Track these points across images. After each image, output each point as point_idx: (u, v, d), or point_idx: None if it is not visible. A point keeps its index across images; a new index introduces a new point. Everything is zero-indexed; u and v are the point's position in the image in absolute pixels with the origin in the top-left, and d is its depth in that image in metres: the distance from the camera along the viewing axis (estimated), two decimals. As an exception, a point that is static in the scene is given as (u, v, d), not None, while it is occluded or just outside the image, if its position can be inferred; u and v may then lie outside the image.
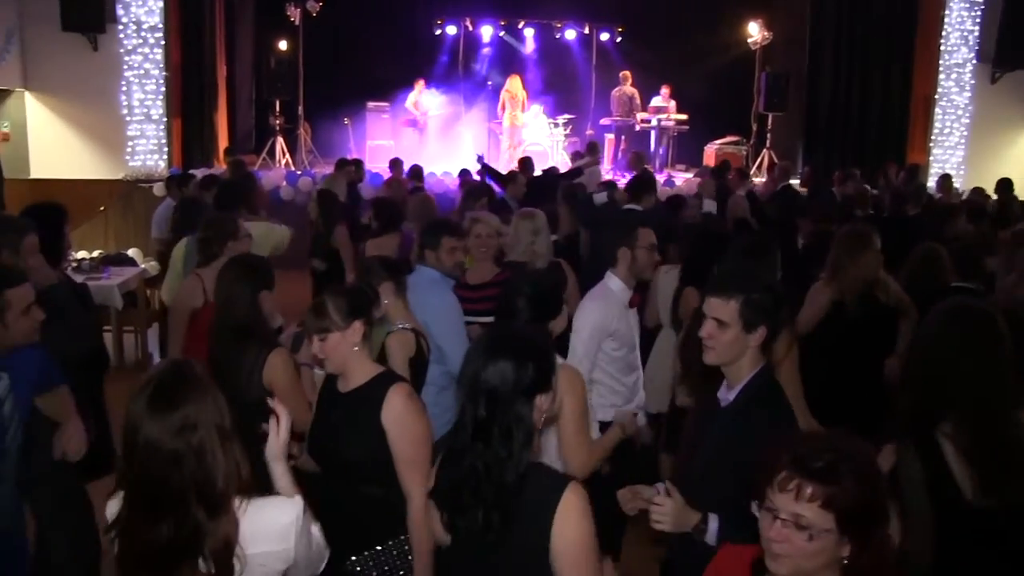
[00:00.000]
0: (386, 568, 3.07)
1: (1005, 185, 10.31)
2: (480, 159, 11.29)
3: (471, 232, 5.19)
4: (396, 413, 2.99)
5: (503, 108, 15.41)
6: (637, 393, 4.56)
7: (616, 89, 15.65)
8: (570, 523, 2.26)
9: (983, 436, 2.61)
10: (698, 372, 3.19)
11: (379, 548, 3.06)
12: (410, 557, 3.02)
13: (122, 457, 2.21)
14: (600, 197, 8.29)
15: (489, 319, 4.82)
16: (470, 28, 16.69)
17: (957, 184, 13.20)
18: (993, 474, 2.58)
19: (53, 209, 4.75)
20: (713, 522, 2.63)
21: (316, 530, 2.42)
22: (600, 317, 4.30)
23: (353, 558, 3.06)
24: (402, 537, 3.05)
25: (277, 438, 2.46)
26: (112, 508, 2.27)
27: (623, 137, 15.52)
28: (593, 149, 12.32)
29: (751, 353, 2.81)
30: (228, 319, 3.72)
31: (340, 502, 3.08)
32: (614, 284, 4.46)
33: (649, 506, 2.62)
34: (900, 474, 2.67)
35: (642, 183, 7.74)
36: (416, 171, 11.18)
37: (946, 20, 13.98)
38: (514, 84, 15.58)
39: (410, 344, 3.88)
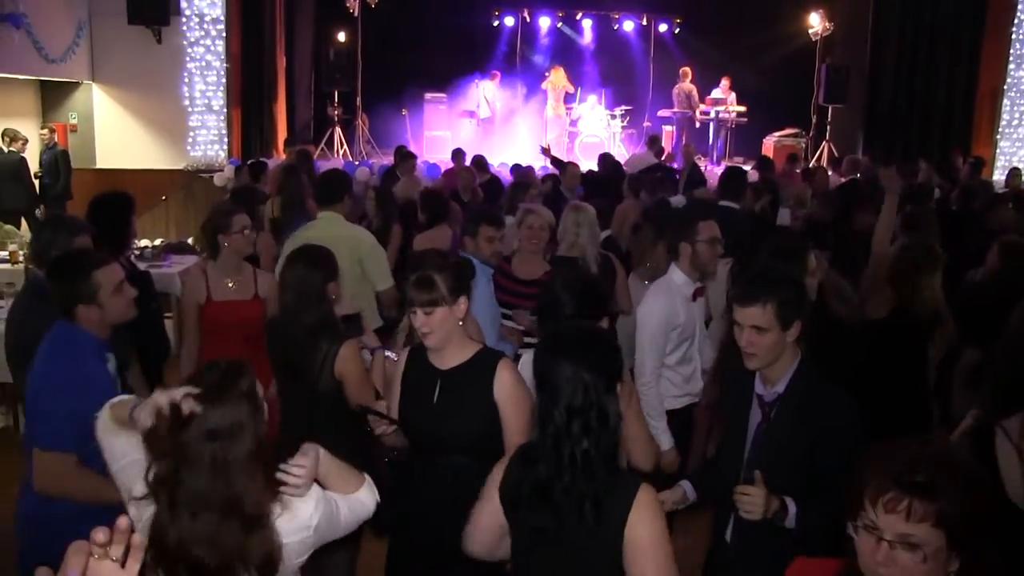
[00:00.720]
0: None
1: None
2: (544, 150, 11.40)
3: (523, 223, 5.13)
4: (508, 387, 3.01)
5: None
6: (693, 383, 4.52)
7: (676, 86, 15.51)
8: (646, 520, 2.29)
9: None
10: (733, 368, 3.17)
11: None
12: None
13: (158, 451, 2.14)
14: (678, 200, 7.97)
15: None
16: (527, 19, 16.67)
17: None
18: None
19: (121, 198, 4.84)
20: (792, 506, 2.67)
21: (344, 507, 2.40)
22: (665, 312, 4.28)
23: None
24: None
25: (303, 479, 2.33)
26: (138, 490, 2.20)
27: (684, 130, 15.37)
28: (654, 142, 12.22)
29: (790, 347, 2.88)
30: (300, 316, 3.65)
31: (441, 477, 3.07)
32: (677, 277, 4.42)
33: (739, 498, 2.65)
34: None
35: (736, 179, 7.24)
36: (479, 162, 11.12)
37: (1019, 8, 13.57)
38: (557, 76, 15.55)
39: None
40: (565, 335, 2.52)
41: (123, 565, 1.37)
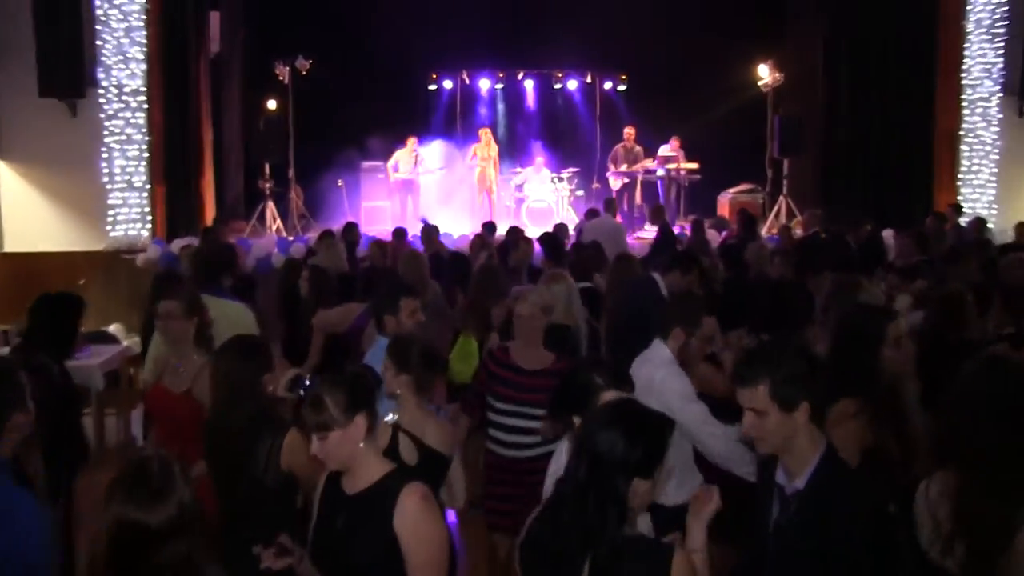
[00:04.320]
0: None
1: None
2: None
3: (513, 312, 4.79)
4: (410, 518, 2.80)
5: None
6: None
7: (620, 145, 14.94)
8: None
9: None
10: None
11: None
12: None
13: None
14: None
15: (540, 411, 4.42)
16: (466, 82, 16.31)
17: (990, 225, 12.58)
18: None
19: (69, 299, 4.80)
20: None
21: None
22: (681, 376, 4.07)
23: None
24: None
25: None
26: None
27: (627, 192, 14.79)
28: (610, 206, 11.66)
29: (805, 432, 2.66)
30: (235, 411, 3.55)
31: None
32: (665, 353, 4.17)
33: None
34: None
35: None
36: (399, 233, 10.38)
37: (966, 52, 13.43)
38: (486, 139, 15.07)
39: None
40: (613, 408, 2.59)
41: None
